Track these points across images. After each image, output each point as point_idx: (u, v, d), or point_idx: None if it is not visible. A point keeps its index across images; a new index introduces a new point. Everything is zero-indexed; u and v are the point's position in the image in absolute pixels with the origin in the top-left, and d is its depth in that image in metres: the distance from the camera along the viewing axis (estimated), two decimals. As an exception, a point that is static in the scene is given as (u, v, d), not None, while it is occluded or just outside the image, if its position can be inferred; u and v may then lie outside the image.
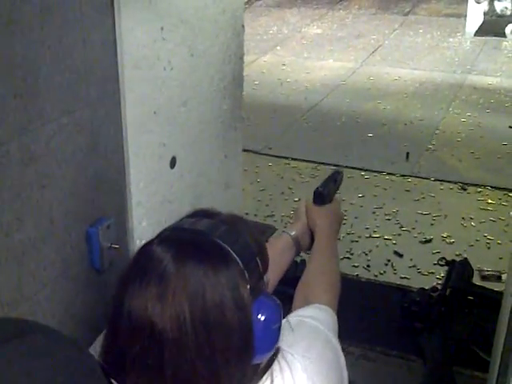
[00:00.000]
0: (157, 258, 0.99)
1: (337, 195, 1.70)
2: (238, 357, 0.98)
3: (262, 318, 1.01)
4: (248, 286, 1.00)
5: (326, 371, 1.11)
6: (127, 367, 0.99)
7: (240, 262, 1.00)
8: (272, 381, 1.04)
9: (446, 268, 1.91)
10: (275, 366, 1.06)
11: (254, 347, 1.00)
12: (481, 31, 8.16)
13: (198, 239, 1.01)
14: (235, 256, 1.00)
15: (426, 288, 1.79)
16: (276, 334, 1.05)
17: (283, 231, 1.63)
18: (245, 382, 1.01)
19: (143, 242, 1.56)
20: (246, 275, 1.00)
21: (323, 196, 1.62)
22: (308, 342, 1.13)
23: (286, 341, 1.10)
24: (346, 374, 1.17)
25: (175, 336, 0.94)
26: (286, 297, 1.39)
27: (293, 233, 1.59)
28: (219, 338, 0.96)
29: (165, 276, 0.96)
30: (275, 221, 3.83)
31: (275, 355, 1.07)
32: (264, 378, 1.04)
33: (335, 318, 1.28)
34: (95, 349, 1.13)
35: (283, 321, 1.10)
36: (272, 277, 1.16)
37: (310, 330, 1.17)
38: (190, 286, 0.95)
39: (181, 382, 0.96)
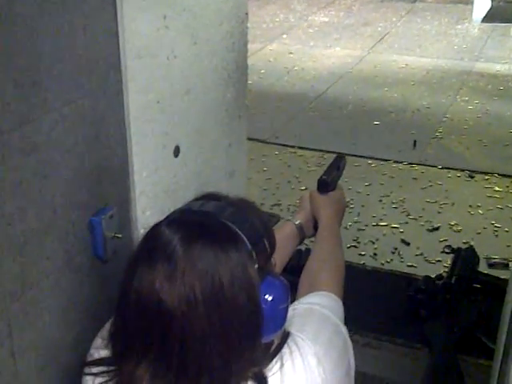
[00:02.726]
0: (166, 239, 1.00)
1: (340, 182, 1.70)
2: (247, 336, 0.99)
3: (270, 298, 1.02)
4: (256, 266, 1.01)
5: (336, 357, 1.11)
6: (135, 349, 1.00)
7: (248, 243, 1.01)
8: (282, 364, 1.04)
9: (452, 256, 1.90)
10: (285, 349, 1.06)
11: (262, 326, 1.00)
12: (488, 17, 8.10)
13: (206, 220, 1.03)
14: (243, 237, 1.01)
15: (432, 276, 1.78)
16: (283, 313, 1.06)
17: (287, 219, 1.64)
18: (254, 362, 1.01)
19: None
20: (254, 255, 1.01)
21: (327, 184, 1.62)
22: (317, 329, 1.14)
23: (295, 327, 1.11)
24: (353, 361, 1.18)
25: (184, 315, 0.95)
26: (290, 285, 1.39)
27: (297, 221, 1.60)
28: (228, 317, 0.97)
29: (173, 257, 0.97)
30: (281, 210, 3.84)
31: (285, 339, 1.07)
32: (274, 361, 1.04)
33: (341, 305, 1.29)
34: (103, 336, 1.14)
35: (291, 309, 1.10)
36: (276, 263, 1.16)
37: (319, 317, 1.18)
38: (199, 266, 0.96)
39: (188, 360, 0.97)
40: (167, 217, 1.07)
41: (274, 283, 1.04)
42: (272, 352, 1.05)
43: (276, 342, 1.06)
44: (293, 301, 1.23)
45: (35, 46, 1.20)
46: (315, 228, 1.62)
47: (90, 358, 1.15)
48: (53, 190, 1.30)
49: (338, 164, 1.70)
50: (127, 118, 1.49)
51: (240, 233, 1.01)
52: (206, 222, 1.02)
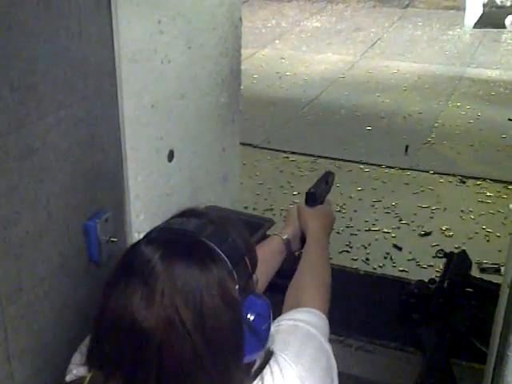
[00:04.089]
0: (144, 258, 0.98)
1: (332, 189, 1.71)
2: (229, 356, 0.98)
3: (252, 317, 1.01)
4: (237, 286, 0.99)
5: (319, 376, 1.10)
6: (112, 369, 0.98)
7: (228, 262, 1.00)
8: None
9: (444, 260, 1.91)
10: (267, 369, 1.05)
11: (244, 346, 0.99)
12: (480, 23, 8.14)
13: (186, 239, 1.01)
14: (223, 256, 1.00)
15: (425, 280, 1.79)
16: (265, 333, 1.04)
17: (275, 234, 1.64)
18: (234, 383, 1.00)
19: (141, 235, 1.58)
20: (235, 275, 1.00)
21: (315, 196, 1.63)
22: (300, 348, 1.12)
23: (278, 345, 1.10)
24: (336, 379, 1.16)
25: (163, 337, 0.94)
26: (283, 289, 1.40)
27: (285, 236, 1.60)
28: (210, 337, 0.95)
29: (152, 276, 0.95)
30: (274, 214, 3.83)
31: (268, 359, 1.06)
32: (255, 382, 1.03)
33: (327, 322, 1.27)
34: (81, 351, 1.13)
35: (275, 324, 1.10)
36: (261, 279, 1.15)
37: (303, 335, 1.16)
38: (179, 285, 0.95)
39: (160, 380, 0.95)
40: (146, 235, 1.05)
41: (255, 302, 1.02)
42: (254, 372, 1.04)
43: (258, 362, 1.05)
44: (279, 313, 1.23)
45: (31, 50, 1.21)
46: (302, 241, 1.61)
47: (68, 374, 1.14)
48: (48, 193, 1.31)
49: (326, 178, 1.71)
50: (122, 122, 1.49)
51: (220, 252, 1.00)
52: (185, 241, 1.01)
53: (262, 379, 1.03)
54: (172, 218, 1.09)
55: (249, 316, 1.00)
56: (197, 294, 0.95)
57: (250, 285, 1.05)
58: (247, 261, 1.04)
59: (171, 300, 0.94)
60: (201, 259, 0.98)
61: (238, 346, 0.99)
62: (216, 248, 1.00)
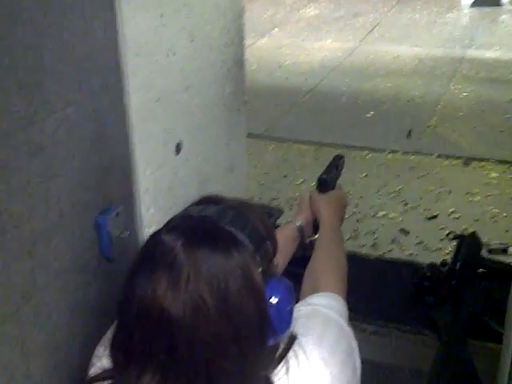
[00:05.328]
0: (167, 246, 0.98)
1: (339, 181, 1.71)
2: (255, 339, 0.99)
3: (275, 301, 1.01)
4: (260, 270, 1.00)
5: (342, 359, 1.11)
6: (138, 357, 0.99)
7: (250, 246, 1.00)
8: (288, 368, 1.04)
9: (453, 243, 1.91)
10: (290, 353, 1.05)
11: (269, 329, 1.00)
12: (477, 2, 8.11)
13: (207, 226, 1.01)
14: (246, 240, 1.00)
15: (436, 263, 1.79)
16: (289, 315, 1.05)
17: (289, 220, 1.64)
18: (260, 367, 1.01)
19: (152, 228, 1.58)
20: (258, 259, 1.00)
21: (326, 183, 1.63)
22: (322, 331, 1.13)
23: (299, 329, 1.10)
24: (359, 362, 1.17)
25: (190, 323, 0.94)
26: (295, 276, 1.40)
27: (298, 223, 1.61)
28: (236, 321, 0.96)
29: (176, 264, 0.96)
30: (279, 203, 3.83)
31: (291, 343, 1.07)
32: (280, 366, 1.04)
33: (345, 305, 1.28)
34: (104, 344, 1.13)
35: (295, 310, 1.10)
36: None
37: (324, 319, 1.17)
38: (204, 271, 0.95)
39: (199, 367, 0.96)
40: (166, 224, 1.05)
41: (278, 285, 1.03)
42: (278, 356, 1.04)
43: (282, 346, 1.05)
44: (296, 296, 1.24)
45: (37, 47, 1.20)
46: (315, 228, 1.62)
47: (91, 367, 1.14)
48: (59, 190, 1.31)
49: (336, 163, 1.71)
50: (128, 117, 1.49)
51: (242, 236, 1.00)
52: (207, 227, 1.01)
53: (287, 363, 1.04)
54: (189, 206, 1.09)
55: (272, 299, 1.01)
56: (221, 279, 0.95)
57: (271, 268, 1.06)
58: (268, 244, 1.05)
59: (196, 286, 0.94)
60: (223, 244, 0.98)
61: (263, 330, 1.00)
62: (238, 233, 1.00)
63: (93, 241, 1.45)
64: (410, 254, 3.34)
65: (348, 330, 1.18)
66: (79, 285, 1.42)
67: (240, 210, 1.06)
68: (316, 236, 1.59)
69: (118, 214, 1.48)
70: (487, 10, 7.99)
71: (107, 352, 1.06)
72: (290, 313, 1.05)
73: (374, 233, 3.59)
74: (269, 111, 5.35)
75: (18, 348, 1.25)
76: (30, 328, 1.28)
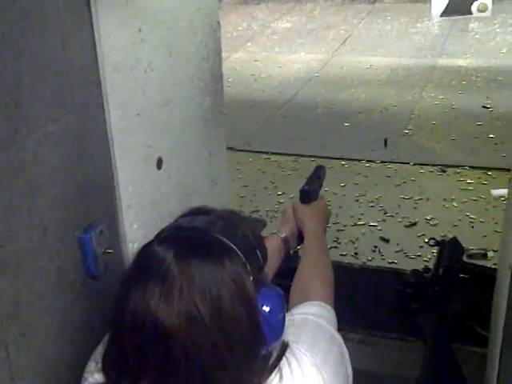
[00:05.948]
0: (159, 258, 0.99)
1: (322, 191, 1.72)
2: (249, 347, 0.99)
3: (267, 309, 1.02)
4: (251, 278, 1.01)
5: (334, 366, 1.12)
6: (132, 369, 0.99)
7: (241, 255, 1.01)
8: (281, 376, 1.04)
9: (433, 250, 1.93)
10: (283, 360, 1.06)
11: (262, 337, 1.01)
12: (447, 12, 8.22)
13: (198, 236, 1.02)
14: (236, 249, 1.01)
15: (419, 269, 1.81)
16: (281, 324, 1.06)
17: (273, 232, 1.65)
18: (254, 376, 1.01)
19: (136, 244, 1.58)
20: (249, 268, 1.01)
21: (309, 194, 1.64)
22: (313, 339, 1.14)
23: (291, 338, 1.11)
24: (350, 369, 1.18)
25: (184, 333, 0.95)
26: (281, 288, 1.40)
27: (283, 234, 1.61)
28: (230, 330, 0.97)
29: (168, 275, 0.96)
30: (260, 216, 3.85)
31: (284, 350, 1.07)
32: (273, 374, 1.04)
33: (334, 313, 1.29)
34: (96, 359, 1.12)
35: (286, 319, 1.11)
36: None
37: (314, 327, 1.18)
38: (197, 281, 0.96)
39: (195, 377, 0.96)
40: (157, 235, 1.06)
41: (269, 294, 1.04)
42: (271, 365, 1.05)
43: (275, 354, 1.06)
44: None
45: (16, 65, 1.20)
46: (300, 239, 1.63)
47: (84, 382, 1.14)
48: (42, 209, 1.30)
49: (318, 174, 1.72)
50: (110, 133, 1.49)
51: (233, 246, 1.01)
52: (198, 238, 1.02)
53: (281, 370, 1.05)
54: (179, 217, 1.09)
55: (264, 307, 1.02)
56: (214, 288, 0.96)
57: (262, 277, 1.07)
58: (258, 253, 1.06)
59: (189, 296, 0.95)
60: (215, 254, 0.99)
61: (256, 338, 1.00)
62: (229, 242, 1.01)
63: (77, 259, 1.44)
64: (391, 262, 3.36)
65: (338, 337, 1.19)
66: (65, 303, 1.41)
67: (229, 219, 1.07)
68: (299, 247, 1.60)
69: (101, 231, 1.47)
70: (457, 18, 8.11)
71: (99, 367, 1.06)
72: (282, 321, 1.06)
73: (354, 242, 3.61)
74: (246, 124, 5.37)
75: (6, 369, 1.24)
76: (16, 349, 1.26)
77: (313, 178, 1.69)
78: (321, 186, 1.71)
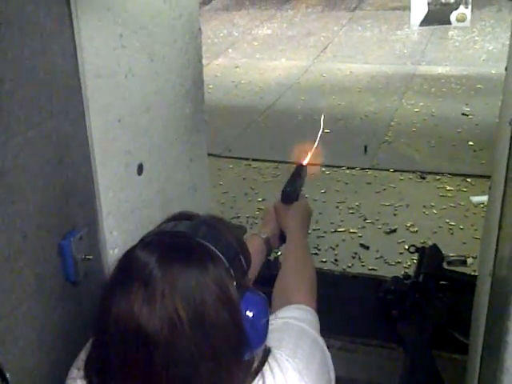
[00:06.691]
0: (142, 262, 0.98)
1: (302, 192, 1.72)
2: (232, 353, 0.99)
3: (251, 314, 1.02)
4: (234, 283, 1.01)
5: (316, 370, 1.12)
6: (114, 374, 0.98)
7: (225, 260, 1.01)
8: (264, 382, 1.04)
9: (413, 256, 1.94)
10: (265, 366, 1.06)
11: (245, 342, 1.00)
12: (426, 21, 8.30)
13: (182, 241, 1.02)
14: (219, 254, 1.01)
15: (399, 276, 1.81)
16: (264, 329, 1.06)
17: (254, 233, 1.64)
18: (237, 382, 1.01)
19: (116, 251, 1.57)
20: (232, 272, 1.01)
21: (290, 194, 1.64)
22: (295, 343, 1.14)
23: (273, 343, 1.11)
24: (333, 373, 1.18)
25: (167, 338, 0.94)
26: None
27: (264, 235, 1.61)
28: (213, 336, 0.97)
29: (151, 280, 0.96)
30: (241, 222, 3.84)
31: (266, 356, 1.07)
32: (256, 380, 1.04)
33: (317, 317, 1.29)
34: (78, 365, 1.11)
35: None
36: None
37: (296, 331, 1.18)
38: (180, 287, 0.96)
39: (170, 383, 0.96)
40: (140, 240, 1.06)
41: (253, 299, 1.04)
42: (253, 370, 1.05)
43: (257, 360, 1.06)
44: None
45: (-4, 71, 1.19)
46: (281, 239, 1.62)
47: None
48: (22, 214, 1.29)
49: (299, 173, 1.72)
50: (90, 139, 1.48)
51: (216, 251, 1.01)
52: (181, 243, 1.02)
53: (263, 376, 1.05)
54: (162, 223, 1.09)
55: (248, 312, 1.02)
56: (197, 293, 0.96)
57: (245, 282, 1.07)
58: (242, 258, 1.06)
59: (172, 301, 0.95)
60: (198, 259, 0.99)
61: (239, 343, 1.00)
62: (212, 247, 1.01)
63: (57, 265, 1.43)
64: (371, 269, 3.38)
65: (321, 340, 1.19)
66: (45, 310, 1.39)
67: (213, 225, 1.07)
68: (279, 251, 1.60)
69: (81, 237, 1.46)
70: (436, 27, 8.19)
71: (81, 373, 1.05)
72: (266, 326, 1.06)
73: (334, 248, 3.62)
74: (226, 130, 5.37)
75: (-16, 377, 1.22)
76: (-5, 356, 1.25)
77: (294, 178, 1.68)
78: (302, 186, 1.71)
